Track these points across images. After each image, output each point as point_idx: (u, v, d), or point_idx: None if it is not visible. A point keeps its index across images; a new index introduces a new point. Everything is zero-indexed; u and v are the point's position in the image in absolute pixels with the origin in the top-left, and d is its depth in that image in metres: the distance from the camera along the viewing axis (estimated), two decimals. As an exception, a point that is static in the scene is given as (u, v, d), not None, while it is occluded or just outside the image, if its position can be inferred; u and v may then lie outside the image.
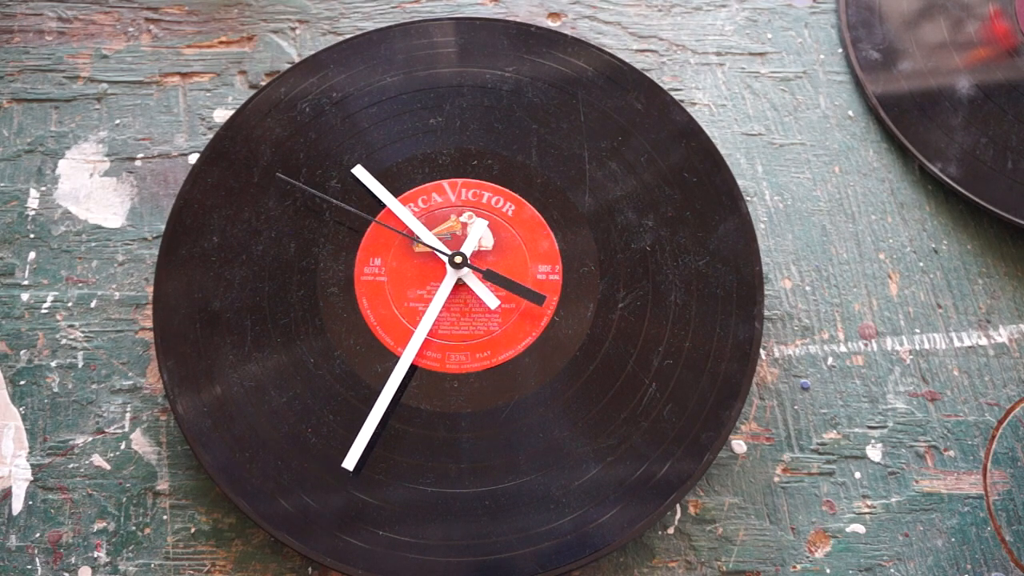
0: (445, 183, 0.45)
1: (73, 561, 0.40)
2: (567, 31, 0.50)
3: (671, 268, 0.43)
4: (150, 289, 0.45)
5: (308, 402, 0.41)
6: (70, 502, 0.41)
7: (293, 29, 0.50)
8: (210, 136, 0.48)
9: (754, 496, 0.41)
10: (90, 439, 0.42)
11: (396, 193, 0.45)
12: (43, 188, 0.47)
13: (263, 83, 0.49)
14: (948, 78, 0.48)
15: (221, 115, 0.48)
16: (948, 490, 0.42)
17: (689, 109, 0.47)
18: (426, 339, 0.42)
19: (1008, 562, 0.40)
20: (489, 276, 0.42)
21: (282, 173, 0.43)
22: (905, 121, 0.47)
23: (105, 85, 0.49)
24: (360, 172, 0.45)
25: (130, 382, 0.43)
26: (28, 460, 0.42)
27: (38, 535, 0.41)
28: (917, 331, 0.45)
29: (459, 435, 0.40)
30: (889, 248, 0.46)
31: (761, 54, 0.50)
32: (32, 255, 0.45)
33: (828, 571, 0.40)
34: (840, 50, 0.50)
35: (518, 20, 0.50)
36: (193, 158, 0.47)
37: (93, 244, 0.46)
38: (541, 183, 0.45)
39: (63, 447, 0.42)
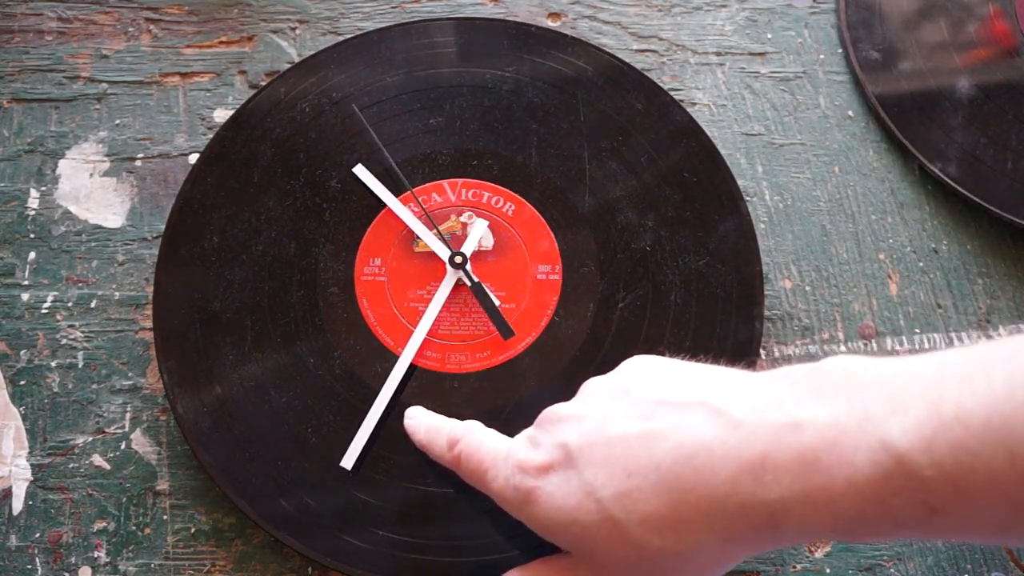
0: (445, 183, 0.45)
1: (73, 561, 0.40)
2: (567, 31, 0.50)
3: (671, 268, 0.43)
4: (150, 289, 0.45)
5: (308, 402, 0.41)
6: (70, 502, 0.41)
7: (293, 29, 0.50)
8: (210, 136, 0.48)
9: (754, 496, 0.41)
10: (90, 439, 0.42)
11: (396, 193, 0.45)
12: (43, 188, 0.47)
13: (263, 83, 0.49)
14: (948, 78, 0.48)
15: (221, 115, 0.48)
16: (948, 490, 0.42)
17: (689, 109, 0.47)
18: (426, 339, 0.42)
19: (1008, 562, 0.40)
20: (474, 289, 0.42)
21: (358, 106, 0.44)
22: (905, 121, 0.47)
23: (105, 85, 0.49)
24: (361, 171, 0.45)
25: (130, 382, 0.43)
26: (28, 460, 0.42)
27: (38, 535, 0.41)
28: (917, 331, 0.45)
29: (459, 435, 0.40)
30: (889, 248, 0.46)
31: (761, 54, 0.50)
32: (32, 255, 0.45)
33: (828, 571, 0.40)
34: (840, 50, 0.50)
35: (518, 20, 0.50)
36: (193, 158, 0.47)
37: (93, 244, 0.46)
38: (541, 183, 0.45)
39: (63, 447, 0.42)
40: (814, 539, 0.30)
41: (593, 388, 0.34)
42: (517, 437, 0.35)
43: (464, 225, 0.44)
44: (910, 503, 0.26)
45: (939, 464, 0.26)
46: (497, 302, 0.43)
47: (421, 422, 0.39)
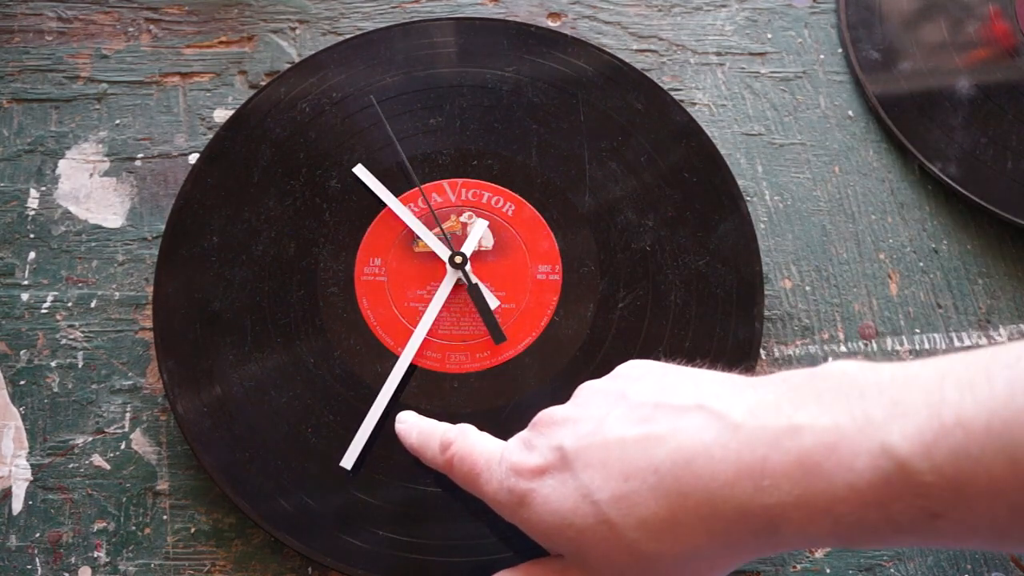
0: (445, 183, 0.45)
1: (73, 561, 0.40)
2: (567, 31, 0.50)
3: (671, 268, 0.43)
4: (150, 289, 0.45)
5: (308, 402, 0.41)
6: (70, 502, 0.41)
7: (293, 29, 0.50)
8: (210, 136, 0.48)
9: (754, 496, 0.41)
10: (90, 439, 0.42)
11: (397, 193, 0.45)
12: (43, 188, 0.47)
13: (263, 83, 0.49)
14: (948, 78, 0.48)
15: (221, 115, 0.48)
16: (948, 490, 0.42)
17: (689, 109, 0.47)
18: (426, 339, 0.42)
19: (1008, 562, 0.40)
20: (471, 291, 0.42)
21: (375, 97, 0.44)
22: (905, 121, 0.47)
23: (105, 85, 0.49)
24: (361, 171, 0.45)
25: (130, 382, 0.43)
26: (28, 460, 0.42)
27: (38, 535, 0.41)
28: (917, 331, 0.45)
29: (459, 435, 0.40)
30: (889, 248, 0.46)
31: (761, 54, 0.50)
32: (32, 255, 0.45)
33: (828, 571, 0.40)
34: (840, 50, 0.50)
35: (518, 20, 0.50)
36: (193, 158, 0.47)
37: (93, 244, 0.46)
38: (541, 183, 0.45)
39: (63, 447, 0.42)
40: (814, 545, 0.29)
41: (589, 391, 0.34)
42: (511, 440, 0.35)
43: (464, 225, 0.44)
44: (910, 508, 0.26)
45: (940, 469, 0.25)
46: (496, 302, 0.43)
47: (413, 426, 0.39)
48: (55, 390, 0.43)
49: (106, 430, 0.42)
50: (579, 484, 0.31)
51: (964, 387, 0.26)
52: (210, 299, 0.43)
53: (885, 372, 0.28)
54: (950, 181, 0.46)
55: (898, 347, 0.44)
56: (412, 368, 0.42)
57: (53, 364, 0.43)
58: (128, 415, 0.43)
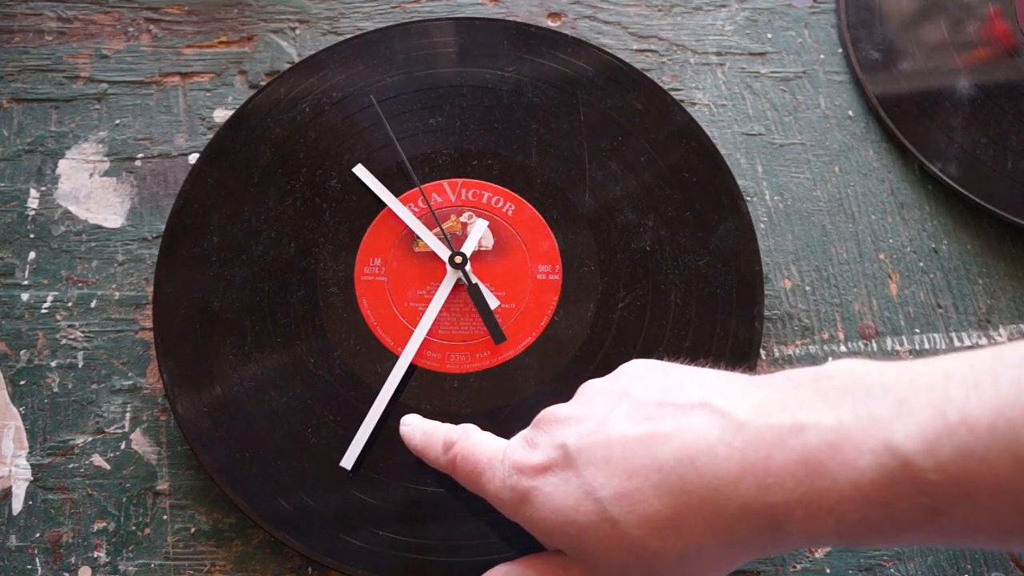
0: (445, 183, 0.45)
1: (73, 561, 0.40)
2: (567, 31, 0.50)
3: (671, 268, 0.43)
4: (150, 289, 0.45)
5: (308, 402, 0.41)
6: (70, 502, 0.41)
7: (293, 29, 0.50)
8: (210, 136, 0.48)
9: (754, 496, 0.41)
10: (90, 439, 0.42)
11: (397, 193, 0.45)
12: (43, 188, 0.47)
13: (263, 83, 0.49)
14: (948, 78, 0.48)
15: (221, 115, 0.48)
16: (948, 490, 0.42)
17: (689, 109, 0.47)
18: (426, 339, 0.42)
19: (1008, 562, 0.40)
20: (471, 291, 0.42)
21: (375, 97, 0.44)
22: (905, 121, 0.47)
23: (105, 85, 0.49)
24: (361, 171, 0.45)
25: (130, 382, 0.43)
26: (28, 460, 0.42)
27: (38, 535, 0.41)
28: (917, 331, 0.45)
29: (459, 435, 0.40)
30: (889, 248, 0.46)
31: (761, 54, 0.50)
32: (32, 255, 0.45)
33: (828, 571, 0.40)
34: (840, 50, 0.50)
35: (518, 20, 0.50)
36: (193, 158, 0.47)
37: (93, 244, 0.46)
38: (541, 183, 0.45)
39: (63, 447, 0.42)
40: (817, 543, 0.29)
41: (592, 389, 0.34)
42: (513, 438, 0.35)
43: (464, 225, 0.44)
44: (914, 506, 0.26)
45: (943, 467, 0.25)
46: (496, 302, 0.43)
47: (416, 428, 0.39)
48: (55, 390, 0.43)
49: (106, 430, 0.42)
50: (582, 482, 0.31)
51: (969, 386, 0.26)
52: (210, 299, 0.43)
53: (890, 371, 0.28)
54: (950, 181, 0.46)
55: (898, 347, 0.44)
56: (412, 368, 0.42)
57: (53, 364, 0.43)
58: (128, 415, 0.43)
